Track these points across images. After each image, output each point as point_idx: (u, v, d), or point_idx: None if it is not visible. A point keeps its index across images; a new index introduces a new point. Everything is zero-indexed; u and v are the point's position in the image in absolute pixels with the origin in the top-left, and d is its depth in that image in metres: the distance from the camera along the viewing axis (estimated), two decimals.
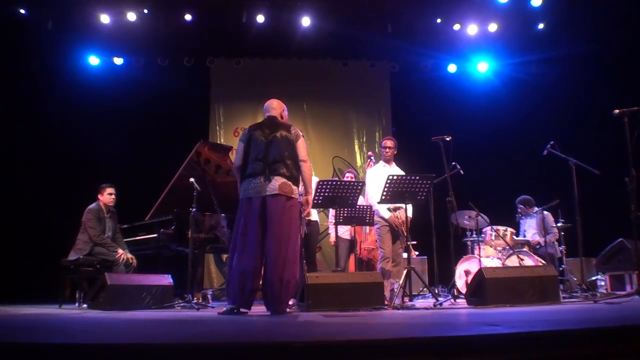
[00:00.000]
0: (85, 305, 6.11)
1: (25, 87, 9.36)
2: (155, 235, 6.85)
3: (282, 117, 5.09)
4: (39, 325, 3.67)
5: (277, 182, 4.67)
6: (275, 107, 5.09)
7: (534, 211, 7.86)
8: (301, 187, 4.99)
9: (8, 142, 9.04)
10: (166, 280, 6.21)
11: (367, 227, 7.48)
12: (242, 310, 4.68)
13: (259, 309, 4.98)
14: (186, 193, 6.41)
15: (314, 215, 6.54)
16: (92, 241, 6.60)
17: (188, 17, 9.42)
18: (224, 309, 4.78)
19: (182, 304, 6.05)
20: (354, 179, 7.35)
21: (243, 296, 4.62)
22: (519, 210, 8.01)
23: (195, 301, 6.25)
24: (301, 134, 5.00)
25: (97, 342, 2.44)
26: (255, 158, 4.77)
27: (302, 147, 4.93)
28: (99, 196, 6.85)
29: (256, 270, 4.66)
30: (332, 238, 7.45)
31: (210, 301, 6.77)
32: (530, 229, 8.03)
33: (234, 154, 5.60)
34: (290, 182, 4.74)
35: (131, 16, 9.32)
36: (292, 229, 4.71)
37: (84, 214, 6.71)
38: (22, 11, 9.04)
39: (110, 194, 6.88)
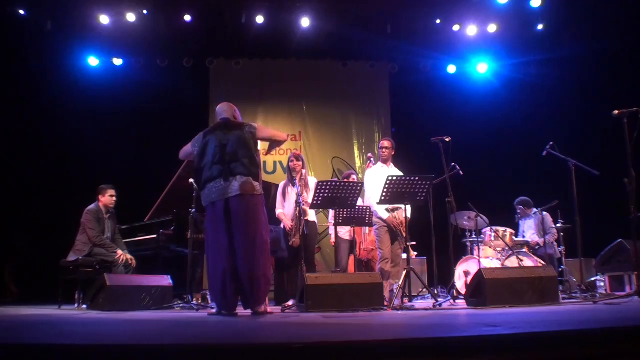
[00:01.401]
0: (84, 306, 6.11)
1: (25, 88, 9.36)
2: (154, 236, 6.86)
3: (234, 118, 5.06)
4: (39, 326, 3.66)
5: (237, 182, 4.65)
6: (226, 109, 5.06)
7: (533, 212, 7.86)
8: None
9: (7, 142, 9.06)
10: (165, 281, 6.21)
11: (367, 228, 7.48)
12: (226, 313, 4.69)
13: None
14: (185, 194, 6.41)
15: (312, 215, 6.53)
16: (91, 242, 6.58)
17: (187, 17, 9.42)
18: (213, 311, 4.85)
19: (181, 305, 6.07)
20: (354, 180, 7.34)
21: (225, 300, 4.65)
22: (518, 212, 8.02)
23: (195, 302, 6.26)
24: (255, 124, 4.93)
25: (96, 343, 2.44)
26: (212, 162, 4.74)
27: (266, 131, 5.00)
28: (100, 197, 6.83)
29: (232, 273, 4.66)
30: (333, 239, 7.46)
31: (210, 302, 6.76)
32: (529, 230, 8.04)
33: None
34: (251, 180, 4.70)
35: (130, 17, 9.32)
36: (257, 226, 4.69)
37: (83, 214, 6.70)
38: (22, 12, 9.03)
39: (112, 195, 6.87)
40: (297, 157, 6.50)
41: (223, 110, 5.06)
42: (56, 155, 9.31)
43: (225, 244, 4.66)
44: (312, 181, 6.51)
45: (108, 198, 6.84)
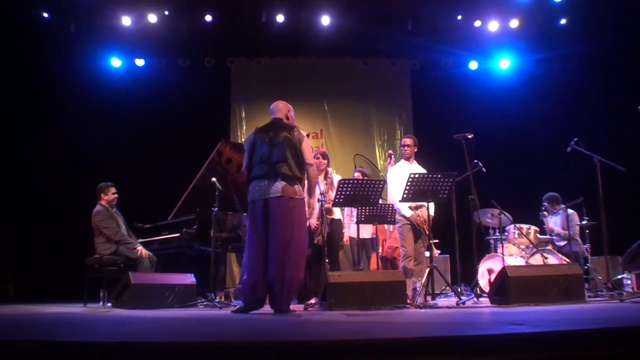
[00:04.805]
0: (109, 304, 6.17)
1: (49, 90, 9.50)
2: (178, 234, 6.89)
3: (287, 118, 5.12)
4: (64, 324, 3.72)
5: (280, 184, 4.73)
6: (281, 108, 5.14)
7: (560, 208, 7.77)
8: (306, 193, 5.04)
9: (34, 144, 9.20)
10: (189, 279, 6.25)
11: (391, 226, 7.44)
12: (252, 308, 4.76)
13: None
14: (208, 193, 6.44)
15: (337, 213, 6.51)
16: (112, 241, 6.61)
17: (208, 17, 9.47)
18: (237, 307, 4.91)
19: (204, 303, 6.10)
20: (361, 177, 7.27)
21: (254, 295, 4.72)
22: (544, 207, 7.92)
23: (218, 300, 6.29)
24: (304, 134, 5.01)
25: (120, 340, 2.46)
26: (259, 160, 4.84)
27: (307, 149, 4.93)
28: (103, 196, 6.82)
29: (265, 271, 4.72)
30: (346, 237, 7.44)
31: (233, 300, 6.80)
32: (555, 227, 7.95)
33: None
34: (293, 184, 4.78)
35: (152, 18, 9.39)
36: (294, 229, 4.75)
37: (92, 217, 6.68)
38: (45, 15, 9.16)
39: (114, 192, 6.91)
40: (323, 155, 6.47)
41: (277, 109, 5.14)
42: (80, 155, 9.42)
43: (262, 242, 4.75)
44: (337, 179, 6.49)
45: (111, 196, 6.88)
